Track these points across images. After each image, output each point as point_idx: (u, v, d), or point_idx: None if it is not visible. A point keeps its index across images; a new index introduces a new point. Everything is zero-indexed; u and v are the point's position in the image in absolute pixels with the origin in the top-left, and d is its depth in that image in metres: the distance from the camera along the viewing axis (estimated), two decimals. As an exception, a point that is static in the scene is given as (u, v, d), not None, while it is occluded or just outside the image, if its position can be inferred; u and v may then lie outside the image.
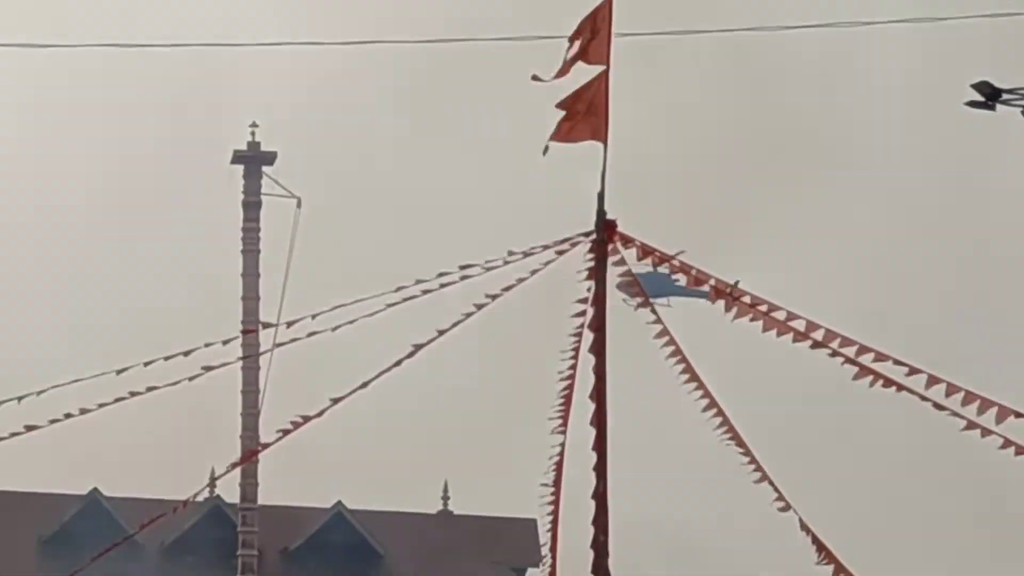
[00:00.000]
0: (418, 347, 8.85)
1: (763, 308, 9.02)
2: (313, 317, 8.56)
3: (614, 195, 8.94)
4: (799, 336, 9.17)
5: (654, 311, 8.96)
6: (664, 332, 8.93)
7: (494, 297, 9.16)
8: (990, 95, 15.35)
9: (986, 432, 8.73)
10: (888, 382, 8.79)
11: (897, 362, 8.79)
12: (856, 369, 9.21)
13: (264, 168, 25.97)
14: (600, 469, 8.18)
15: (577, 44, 8.22)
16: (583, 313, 8.81)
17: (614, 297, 8.90)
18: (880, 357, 8.69)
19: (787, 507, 9.67)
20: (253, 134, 26.23)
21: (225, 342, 8.34)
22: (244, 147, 26.17)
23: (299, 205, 25.08)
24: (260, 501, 26.06)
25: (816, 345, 9.19)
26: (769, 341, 9.41)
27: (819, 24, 20.01)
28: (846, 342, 9.02)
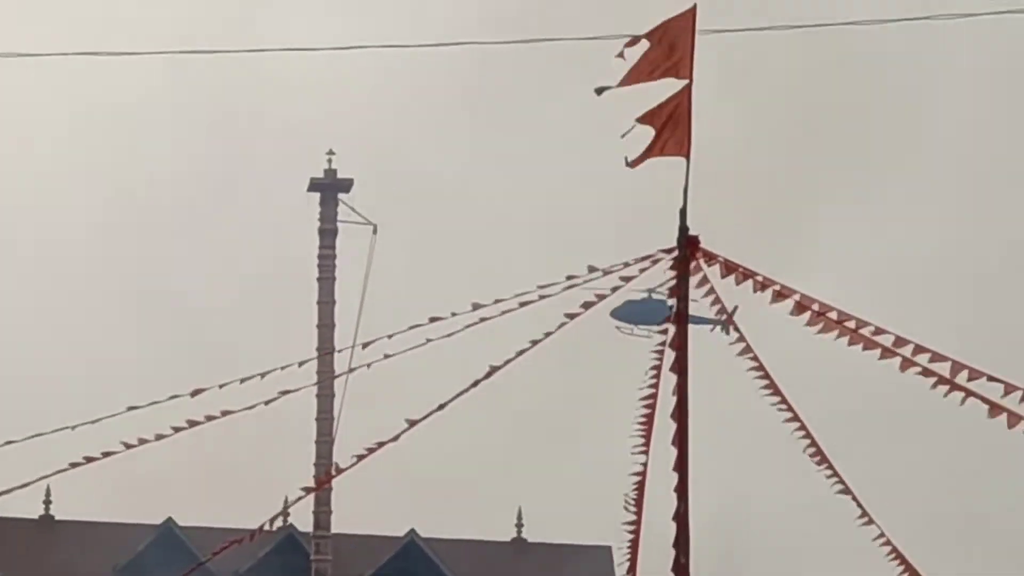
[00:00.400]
0: (495, 368, 8.67)
1: (850, 324, 8.82)
2: (389, 337, 8.47)
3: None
4: (887, 352, 8.92)
5: (737, 329, 8.79)
6: (748, 349, 8.76)
7: (573, 316, 9.02)
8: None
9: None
10: (985, 401, 8.57)
11: (992, 378, 8.53)
12: (947, 387, 8.97)
13: (340, 195, 26.02)
14: (681, 490, 8.01)
15: (650, 52, 8.02)
16: (664, 331, 8.64)
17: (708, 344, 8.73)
18: (974, 375, 8.43)
19: (868, 520, 9.50)
20: (330, 161, 26.29)
21: (301, 363, 8.23)
22: (321, 175, 26.21)
23: (375, 232, 25.23)
24: (333, 529, 25.98)
25: (907, 364, 8.93)
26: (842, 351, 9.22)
27: (909, 18, 19.64)
28: (936, 357, 8.72)
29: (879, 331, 8.94)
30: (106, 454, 8.17)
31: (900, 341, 8.59)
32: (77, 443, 7.98)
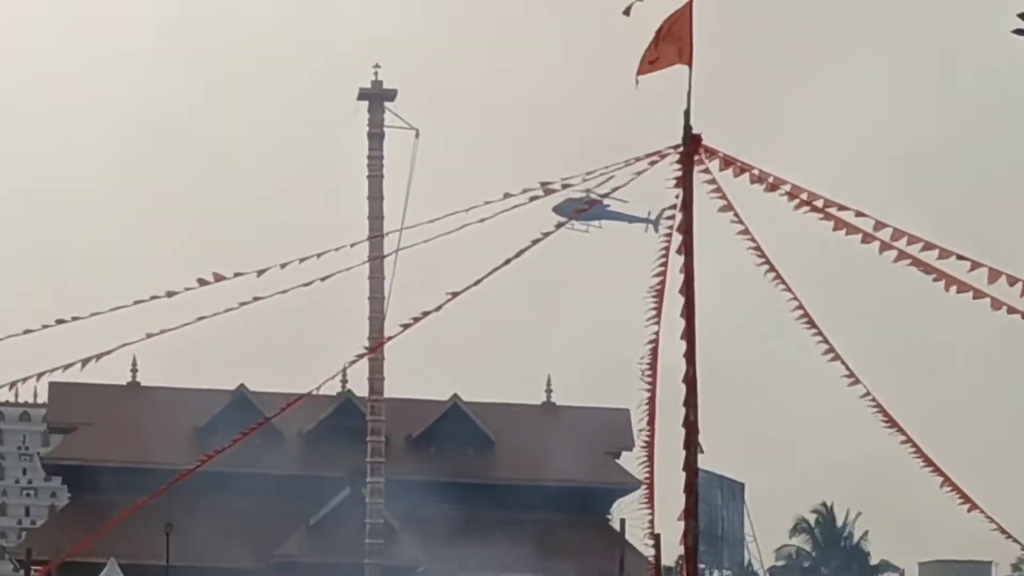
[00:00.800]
0: (523, 250, 8.89)
1: (833, 209, 8.98)
2: (431, 222, 8.66)
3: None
4: (867, 237, 9.08)
5: (736, 214, 8.94)
6: (746, 231, 8.91)
7: (592, 203, 9.23)
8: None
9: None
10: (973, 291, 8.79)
11: (961, 257, 8.71)
12: (934, 275, 9.17)
13: (386, 104, 26.62)
14: (690, 356, 8.21)
15: None
16: (672, 217, 8.81)
17: (700, 202, 8.87)
18: (945, 254, 8.60)
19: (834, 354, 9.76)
20: (376, 74, 26.68)
21: (353, 244, 8.45)
22: (368, 85, 26.69)
23: (417, 136, 25.73)
24: (386, 394, 26.49)
25: (884, 247, 9.09)
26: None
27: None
28: (912, 240, 8.86)
29: (860, 214, 9.15)
30: (181, 325, 8.48)
31: (879, 225, 8.81)
32: (158, 315, 8.25)
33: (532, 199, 8.76)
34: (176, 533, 28.91)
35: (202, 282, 8.24)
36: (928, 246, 8.42)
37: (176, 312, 8.18)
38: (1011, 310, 8.56)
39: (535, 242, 8.64)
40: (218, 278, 8.16)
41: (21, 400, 65.17)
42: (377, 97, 26.41)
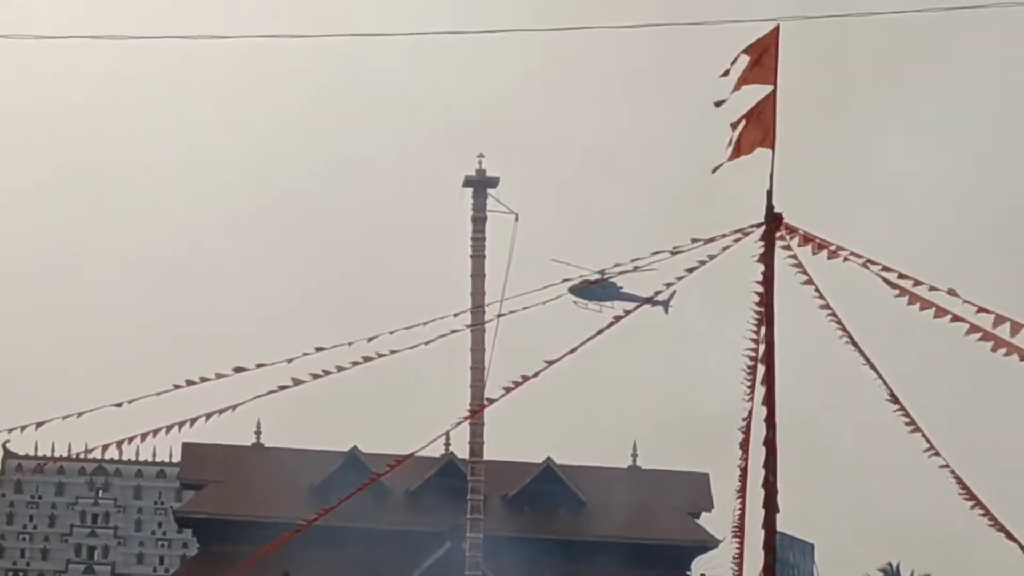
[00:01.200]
0: (618, 318, 8.71)
1: (907, 284, 8.69)
2: (527, 293, 8.59)
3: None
4: (940, 312, 8.74)
5: (818, 290, 8.70)
6: (827, 305, 8.67)
7: (680, 278, 8.99)
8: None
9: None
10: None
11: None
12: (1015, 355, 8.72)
13: (489, 190, 26.97)
14: (770, 421, 7.96)
15: (746, 65, 7.98)
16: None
17: (784, 276, 8.63)
18: (1016, 328, 8.21)
19: (933, 452, 9.34)
20: (480, 162, 27.13)
21: (456, 314, 8.44)
22: (473, 173, 27.16)
23: (516, 219, 26.04)
24: (485, 457, 26.57)
25: (986, 337, 8.67)
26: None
27: None
28: (1016, 327, 8.36)
29: (933, 289, 8.76)
30: (296, 381, 8.36)
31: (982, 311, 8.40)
32: (278, 377, 8.25)
33: (636, 269, 8.67)
34: (292, 581, 29.30)
35: (319, 349, 8.23)
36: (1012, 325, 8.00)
37: (297, 375, 8.26)
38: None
39: (617, 319, 8.55)
40: (333, 345, 8.20)
41: (158, 460, 67.12)
42: (481, 184, 26.74)
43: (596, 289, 24.59)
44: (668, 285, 9.19)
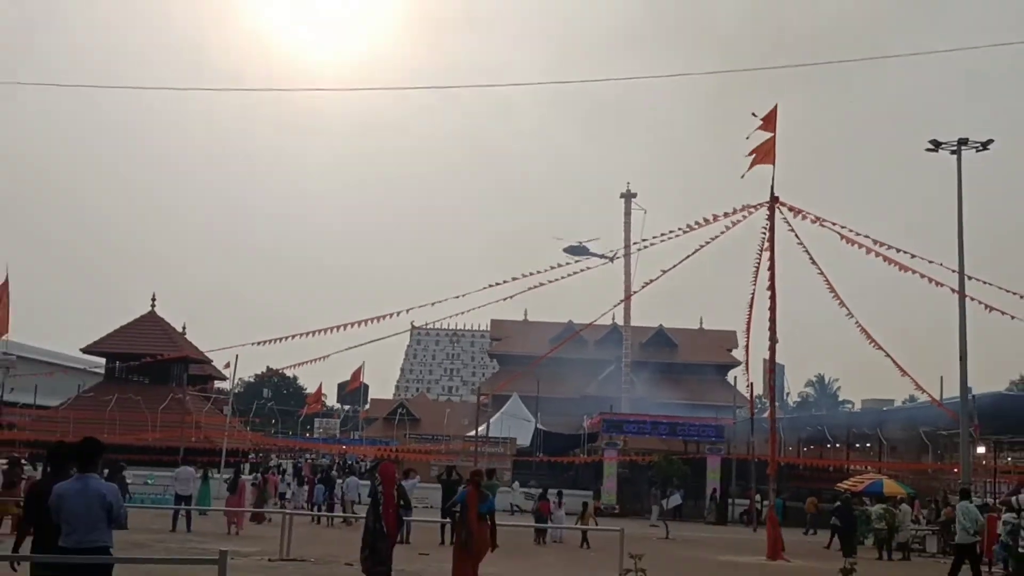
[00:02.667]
0: (665, 271, 12.20)
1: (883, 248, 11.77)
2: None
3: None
4: (902, 268, 11.98)
5: (807, 251, 11.77)
6: (809, 255, 11.74)
7: (703, 245, 12.26)
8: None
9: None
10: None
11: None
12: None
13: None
14: (772, 315, 11.34)
15: (761, 132, 11.03)
16: (762, 254, 11.81)
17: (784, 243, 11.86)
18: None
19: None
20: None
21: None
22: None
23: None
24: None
25: (903, 268, 12.08)
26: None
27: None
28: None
29: (877, 242, 11.92)
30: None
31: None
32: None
33: (664, 240, 11.98)
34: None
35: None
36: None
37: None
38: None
39: (673, 267, 11.95)
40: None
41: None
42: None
43: (576, 247, 34.00)
44: (704, 244, 12.29)
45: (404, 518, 9.40)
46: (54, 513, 4.20)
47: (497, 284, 14.11)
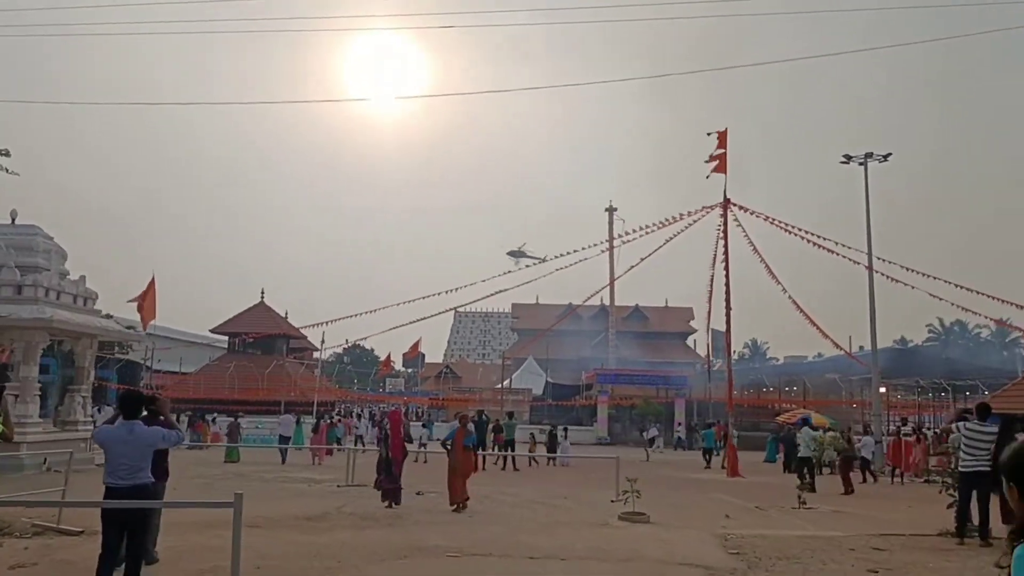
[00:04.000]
0: (632, 266, 11.35)
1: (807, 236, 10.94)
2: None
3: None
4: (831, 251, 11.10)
5: (751, 242, 11.01)
6: (753, 245, 10.96)
7: (669, 239, 11.45)
8: None
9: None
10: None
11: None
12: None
13: None
14: (727, 305, 10.56)
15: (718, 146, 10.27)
16: (717, 244, 10.98)
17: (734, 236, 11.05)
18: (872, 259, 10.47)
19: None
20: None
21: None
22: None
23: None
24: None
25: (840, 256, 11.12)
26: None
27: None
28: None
29: (816, 235, 11.05)
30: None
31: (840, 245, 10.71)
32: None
33: (638, 236, 11.12)
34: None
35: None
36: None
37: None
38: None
39: (633, 266, 11.03)
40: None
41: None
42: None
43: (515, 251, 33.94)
44: (669, 240, 11.58)
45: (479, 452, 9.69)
46: (104, 451, 3.66)
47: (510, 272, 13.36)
